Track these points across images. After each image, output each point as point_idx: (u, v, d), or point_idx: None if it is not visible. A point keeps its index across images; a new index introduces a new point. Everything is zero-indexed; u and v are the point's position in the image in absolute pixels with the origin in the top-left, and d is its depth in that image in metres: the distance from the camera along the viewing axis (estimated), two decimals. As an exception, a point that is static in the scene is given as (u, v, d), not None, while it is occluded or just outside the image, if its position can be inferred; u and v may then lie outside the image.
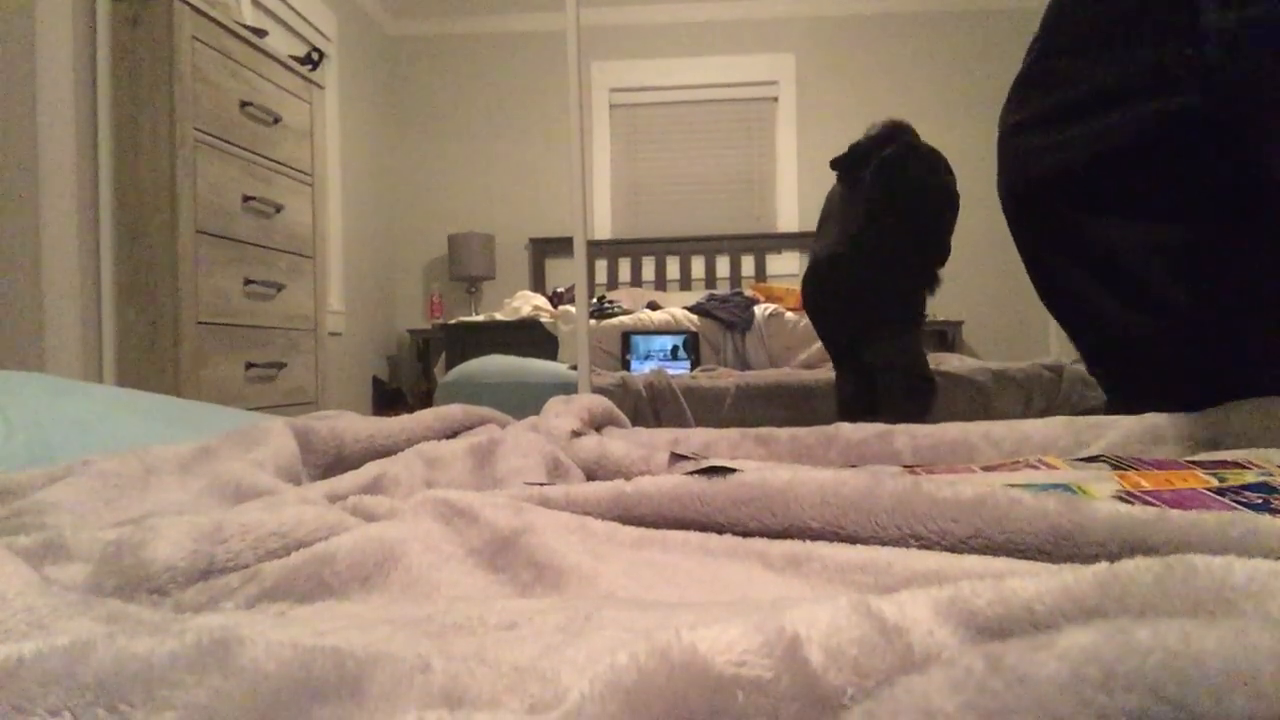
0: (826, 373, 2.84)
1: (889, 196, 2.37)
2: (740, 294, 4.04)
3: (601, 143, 5.30)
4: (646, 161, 5.35)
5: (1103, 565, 0.28)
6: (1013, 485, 0.50)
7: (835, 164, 2.53)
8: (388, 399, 4.88)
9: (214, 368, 2.37)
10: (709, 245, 5.15)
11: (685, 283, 5.13)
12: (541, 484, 0.69)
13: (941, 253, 2.42)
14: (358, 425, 0.92)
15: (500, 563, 0.51)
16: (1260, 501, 0.52)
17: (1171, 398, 1.01)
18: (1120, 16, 1.10)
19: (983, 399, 2.82)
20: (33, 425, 0.94)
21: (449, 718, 0.25)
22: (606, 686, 0.24)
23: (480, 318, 4.48)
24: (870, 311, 2.43)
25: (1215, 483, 0.57)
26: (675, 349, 3.65)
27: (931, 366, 2.73)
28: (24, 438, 0.91)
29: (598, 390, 2.63)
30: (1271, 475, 0.58)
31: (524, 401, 2.54)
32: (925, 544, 0.48)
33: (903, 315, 2.47)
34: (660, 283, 5.13)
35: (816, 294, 2.53)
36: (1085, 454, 0.78)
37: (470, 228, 5.23)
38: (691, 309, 3.85)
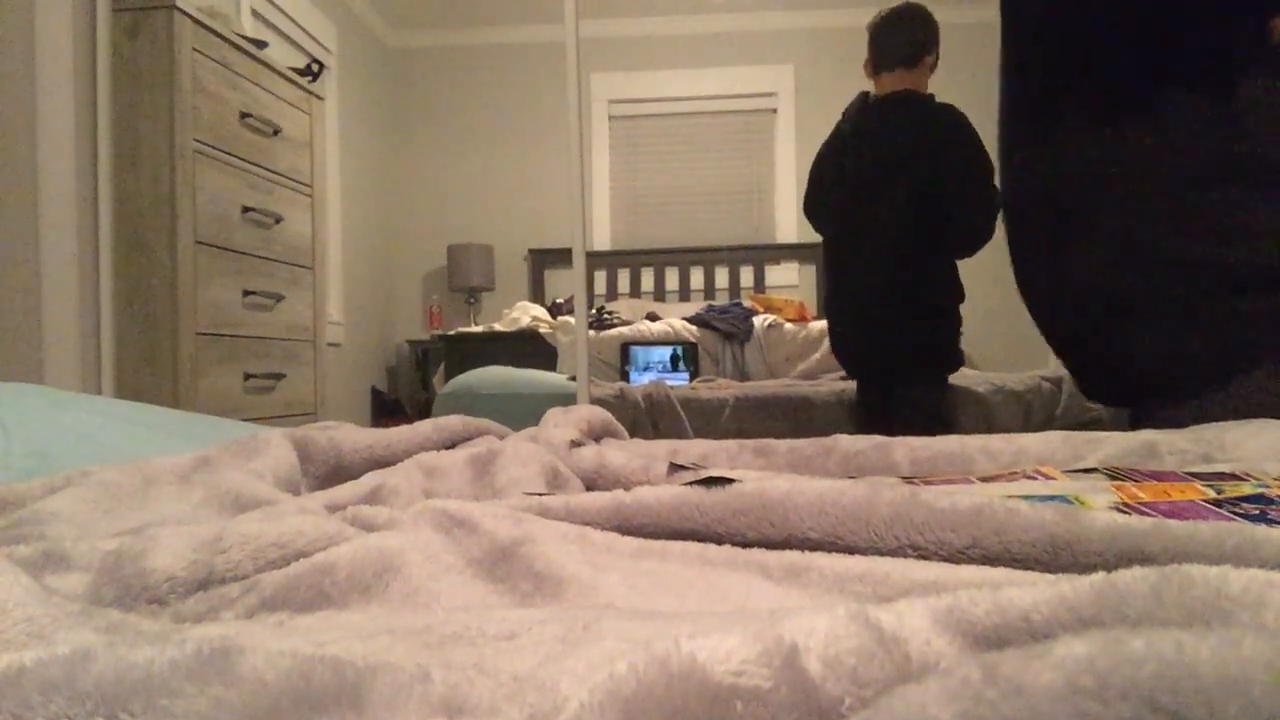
0: (825, 384, 2.84)
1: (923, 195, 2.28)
2: (739, 305, 4.05)
3: (600, 154, 5.31)
4: (645, 173, 5.36)
5: (1100, 575, 0.28)
6: (1010, 496, 0.51)
7: (859, 115, 2.43)
8: (387, 409, 4.88)
9: (213, 378, 2.37)
10: (708, 256, 5.16)
11: (684, 294, 5.13)
12: (541, 494, 0.69)
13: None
14: (356, 436, 0.92)
15: (500, 573, 0.51)
16: (1257, 513, 0.52)
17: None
18: None
19: (983, 411, 2.82)
20: (32, 436, 0.94)
21: (448, 727, 0.25)
22: (606, 696, 0.24)
23: (479, 328, 4.48)
24: (926, 354, 2.39)
25: (1213, 494, 0.57)
26: (674, 360, 3.65)
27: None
28: (23, 449, 0.91)
29: (596, 401, 2.63)
30: (1268, 487, 0.58)
31: (523, 412, 2.55)
32: (923, 554, 0.48)
33: (950, 359, 2.43)
34: (659, 294, 5.14)
35: (865, 320, 2.45)
36: (1081, 466, 0.78)
37: (469, 238, 5.24)
38: (690, 320, 3.85)
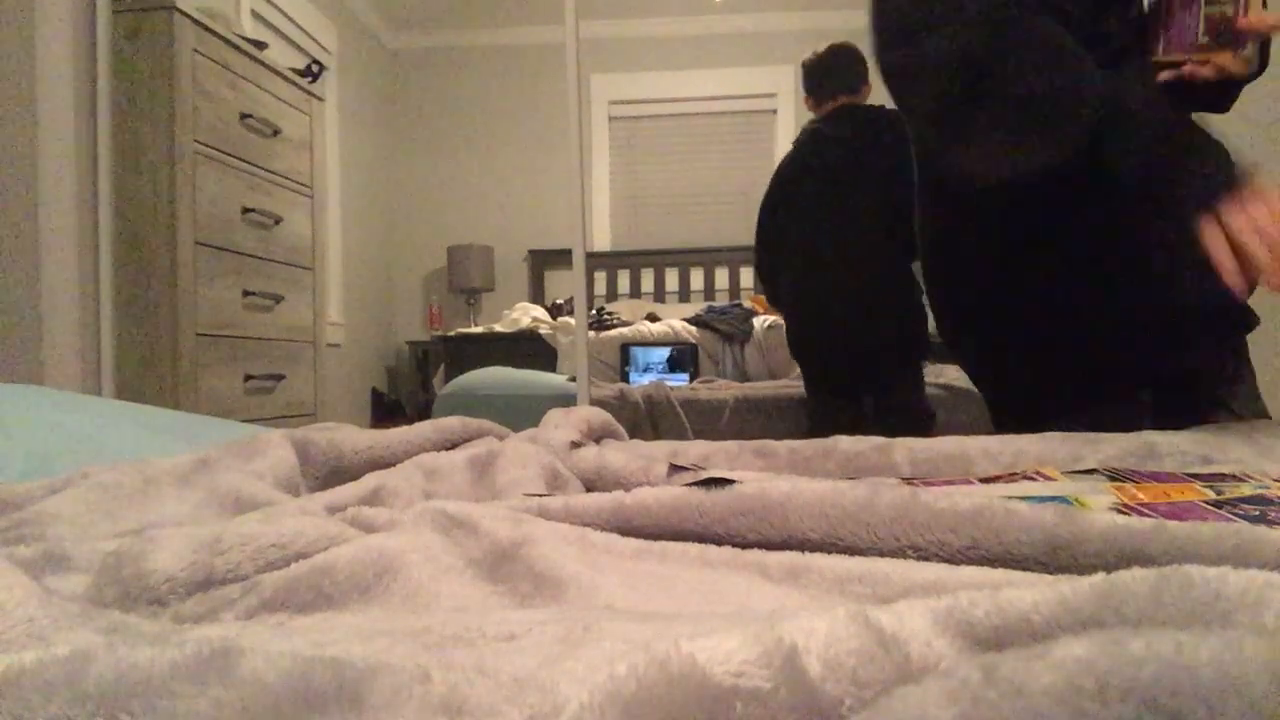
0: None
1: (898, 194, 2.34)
2: (739, 306, 4.04)
3: (600, 154, 5.31)
4: (645, 173, 5.36)
5: (1099, 576, 0.28)
6: (1010, 497, 0.51)
7: (814, 140, 2.50)
8: (387, 410, 4.88)
9: (213, 379, 2.37)
10: (708, 257, 5.16)
11: (684, 294, 5.13)
12: (540, 495, 0.69)
13: None
14: (356, 437, 0.92)
15: (500, 574, 0.51)
16: (1257, 514, 0.52)
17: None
18: None
19: (982, 411, 2.81)
20: (32, 438, 0.94)
21: (448, 728, 0.25)
22: (605, 697, 0.24)
23: (479, 329, 4.48)
24: (884, 342, 2.39)
25: (1212, 495, 0.57)
26: (674, 361, 3.65)
27: (931, 379, 2.72)
28: (23, 450, 0.91)
29: (596, 402, 2.63)
30: (1268, 488, 0.58)
31: (523, 413, 2.54)
32: (923, 555, 0.48)
33: (912, 347, 2.44)
34: (659, 294, 5.14)
35: (814, 321, 2.47)
36: (1081, 467, 0.78)
37: (469, 239, 5.24)
38: (690, 321, 3.85)
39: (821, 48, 2.67)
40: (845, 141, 2.45)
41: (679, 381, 3.43)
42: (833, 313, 2.46)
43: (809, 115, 2.72)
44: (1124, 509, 0.55)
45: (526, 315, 4.38)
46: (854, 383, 2.49)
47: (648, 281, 5.19)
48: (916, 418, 2.38)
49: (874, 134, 2.41)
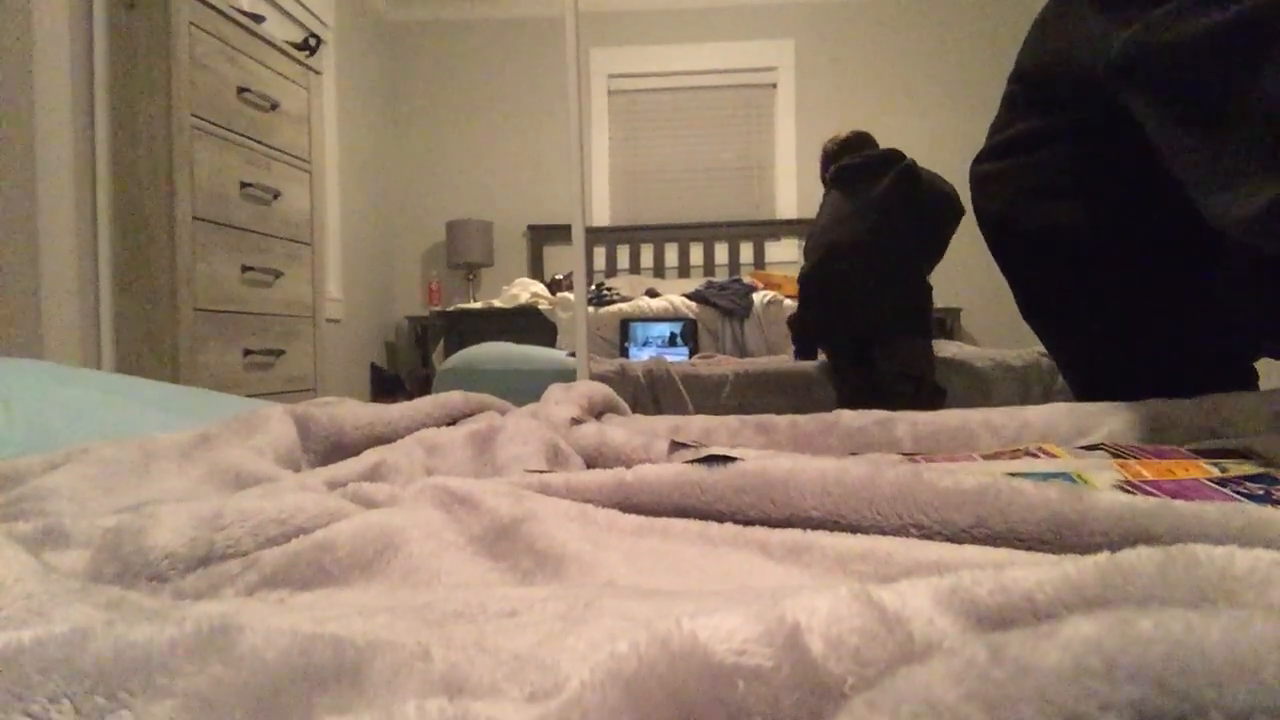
0: (825, 360, 2.84)
1: (908, 200, 2.54)
2: (739, 281, 4.03)
3: (600, 129, 5.28)
4: (645, 148, 5.33)
5: (1104, 555, 0.28)
6: (1014, 474, 0.50)
7: (842, 173, 2.62)
8: (386, 386, 4.88)
9: (212, 354, 2.37)
10: (708, 232, 5.14)
11: (684, 270, 5.12)
12: (542, 471, 0.69)
13: (939, 257, 2.67)
14: (357, 412, 0.92)
15: (500, 550, 0.50)
16: (1261, 492, 0.52)
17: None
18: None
19: (982, 386, 2.82)
20: (32, 412, 0.94)
21: (448, 706, 0.25)
22: (607, 675, 0.24)
23: (479, 305, 4.47)
24: (888, 310, 2.50)
25: (1217, 473, 0.57)
26: (674, 336, 3.64)
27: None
28: (23, 425, 0.91)
29: (596, 377, 2.63)
30: (1272, 465, 0.58)
31: (523, 388, 2.54)
32: (926, 533, 0.48)
33: (917, 320, 2.57)
34: (659, 270, 5.12)
35: (828, 288, 2.57)
36: (1085, 442, 0.78)
37: (469, 214, 5.22)
38: (690, 296, 3.84)
39: (843, 132, 2.85)
40: (868, 166, 2.62)
41: (679, 356, 3.42)
42: (848, 277, 2.57)
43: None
44: (1128, 486, 0.54)
45: (526, 291, 4.37)
46: (863, 342, 2.56)
47: (647, 257, 5.18)
48: (929, 389, 2.50)
49: (892, 165, 2.58)
